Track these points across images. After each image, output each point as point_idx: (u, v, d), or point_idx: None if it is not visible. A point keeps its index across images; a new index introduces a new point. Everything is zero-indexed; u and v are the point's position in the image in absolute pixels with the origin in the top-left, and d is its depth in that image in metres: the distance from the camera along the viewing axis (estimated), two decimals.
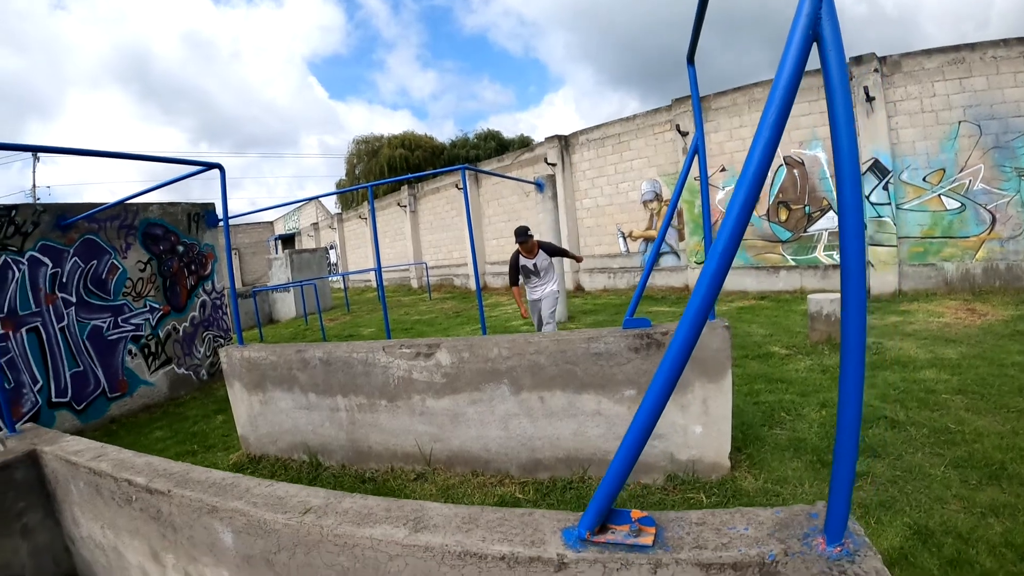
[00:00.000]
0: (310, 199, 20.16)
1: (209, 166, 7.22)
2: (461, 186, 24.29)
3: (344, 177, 51.23)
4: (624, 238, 18.14)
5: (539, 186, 14.00)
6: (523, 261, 8.52)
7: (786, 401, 6.22)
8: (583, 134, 19.10)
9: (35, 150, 6.20)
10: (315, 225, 43.86)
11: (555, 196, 14.01)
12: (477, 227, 23.50)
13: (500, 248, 23.19)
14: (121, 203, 9.53)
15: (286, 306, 21.60)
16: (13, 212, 8.96)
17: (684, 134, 15.70)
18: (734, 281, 14.63)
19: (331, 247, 39.88)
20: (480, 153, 45.72)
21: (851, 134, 1.49)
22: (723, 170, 14.95)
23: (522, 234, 8.34)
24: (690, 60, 4.33)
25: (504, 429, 5.00)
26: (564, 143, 19.65)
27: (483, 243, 24.01)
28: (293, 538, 2.16)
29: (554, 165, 19.65)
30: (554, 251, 8.72)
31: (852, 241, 1.46)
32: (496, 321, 14.49)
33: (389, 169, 44.92)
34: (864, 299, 1.46)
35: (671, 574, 1.63)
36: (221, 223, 11.85)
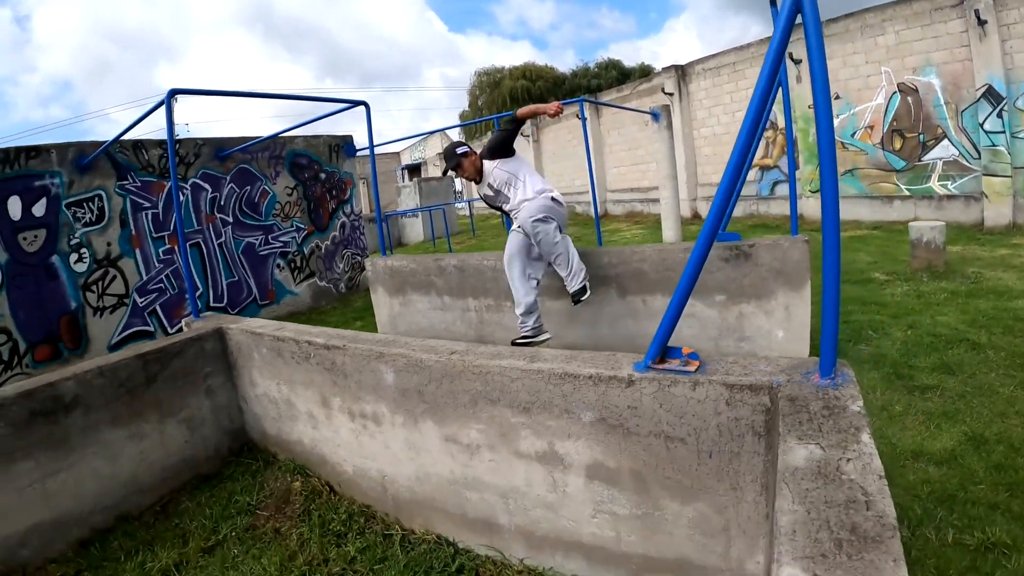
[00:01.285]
0: (436, 131, 21.08)
1: (355, 103, 8.06)
2: (581, 117, 24.65)
3: (467, 108, 51.63)
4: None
5: (655, 116, 14.28)
6: (482, 191, 5.75)
7: (875, 321, 6.50)
8: (699, 63, 19.02)
9: (218, 94, 7.17)
10: (440, 155, 44.96)
11: (670, 126, 14.25)
12: (598, 156, 23.85)
13: (621, 176, 23.53)
14: (273, 137, 10.75)
15: (414, 231, 22.85)
16: (177, 145, 10.14)
17: (797, 62, 15.33)
18: (848, 211, 14.26)
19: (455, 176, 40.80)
20: (601, 83, 44.95)
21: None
22: (837, 98, 14.63)
23: (450, 157, 5.60)
24: None
25: (611, 328, 5.73)
26: (681, 73, 19.62)
27: (604, 171, 24.34)
28: (441, 371, 2.96)
29: (671, 95, 19.64)
30: (497, 144, 5.54)
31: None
32: (613, 247, 14.66)
33: (511, 100, 44.81)
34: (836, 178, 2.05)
35: (705, 390, 2.31)
36: (360, 152, 12.95)
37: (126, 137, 8.32)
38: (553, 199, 5.30)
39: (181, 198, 10.12)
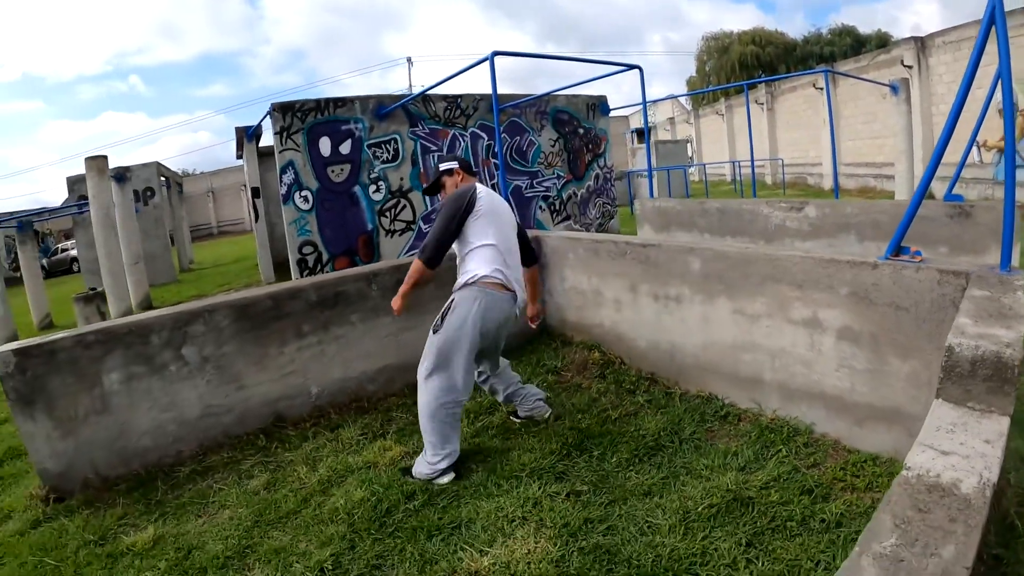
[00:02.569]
0: (669, 97, 21.72)
1: (629, 67, 9.26)
2: (820, 86, 24.54)
3: (694, 74, 51.37)
4: (978, 148, 17.26)
5: (893, 89, 14.41)
6: None
7: None
8: (939, 36, 18.43)
9: (532, 56, 8.65)
10: (671, 120, 45.36)
11: (908, 100, 14.22)
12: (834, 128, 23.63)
13: (855, 149, 23.31)
14: (545, 95, 12.29)
15: (647, 190, 23.75)
16: (459, 99, 11.89)
17: None
18: None
19: (687, 140, 41.20)
20: (835, 50, 43.28)
21: None
22: None
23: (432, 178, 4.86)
24: None
25: None
26: (920, 45, 19.11)
27: (839, 144, 24.00)
28: (740, 258, 4.12)
29: (910, 67, 19.19)
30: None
31: None
32: (855, 199, 14.56)
33: (740, 66, 44.45)
34: None
35: (924, 273, 3.26)
36: (612, 112, 14.19)
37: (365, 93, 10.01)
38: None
39: (461, 143, 11.89)
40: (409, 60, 72.40)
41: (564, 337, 5.99)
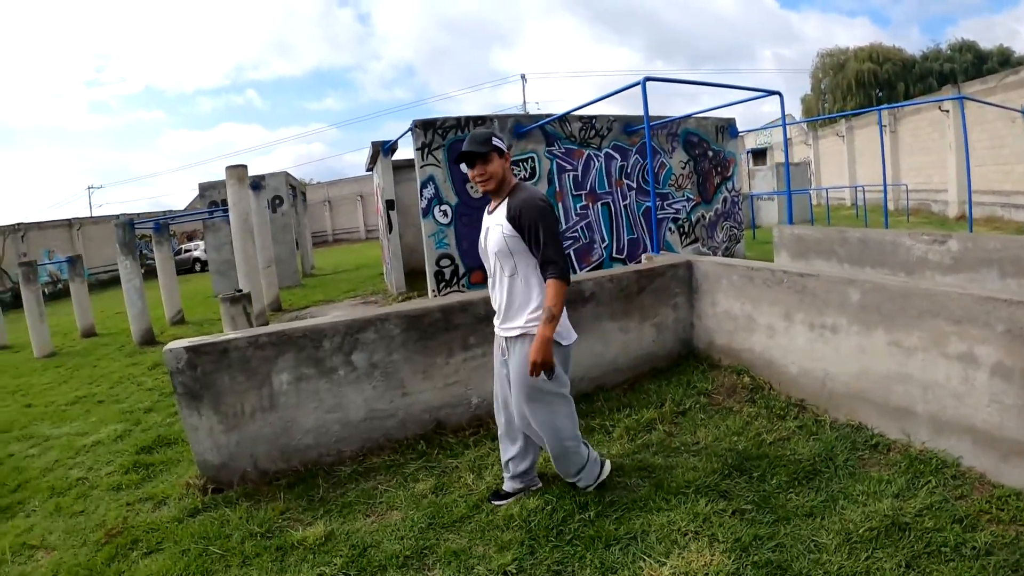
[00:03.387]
0: (795, 122, 21.61)
1: (769, 92, 9.56)
2: (945, 108, 23.88)
3: (809, 92, 50.40)
4: None
5: None
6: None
7: None
8: None
9: (682, 82, 9.07)
10: (788, 141, 44.46)
11: None
12: (959, 152, 22.82)
13: (981, 175, 22.27)
14: (675, 119, 12.70)
15: (769, 213, 23.91)
16: (593, 120, 12.38)
17: None
18: None
19: (807, 162, 40.38)
20: (955, 67, 41.91)
21: None
22: None
23: (482, 142, 3.69)
24: None
25: None
26: None
27: (963, 170, 23.26)
28: (899, 292, 4.41)
29: None
30: (526, 222, 3.63)
31: None
32: (999, 233, 14.19)
33: (856, 84, 43.52)
34: None
35: None
36: (740, 134, 14.44)
37: (465, 113, 10.55)
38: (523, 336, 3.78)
39: (596, 164, 12.38)
40: (523, 77, 73.69)
41: (711, 360, 6.27)
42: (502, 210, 3.68)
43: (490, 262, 3.82)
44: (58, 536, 4.50)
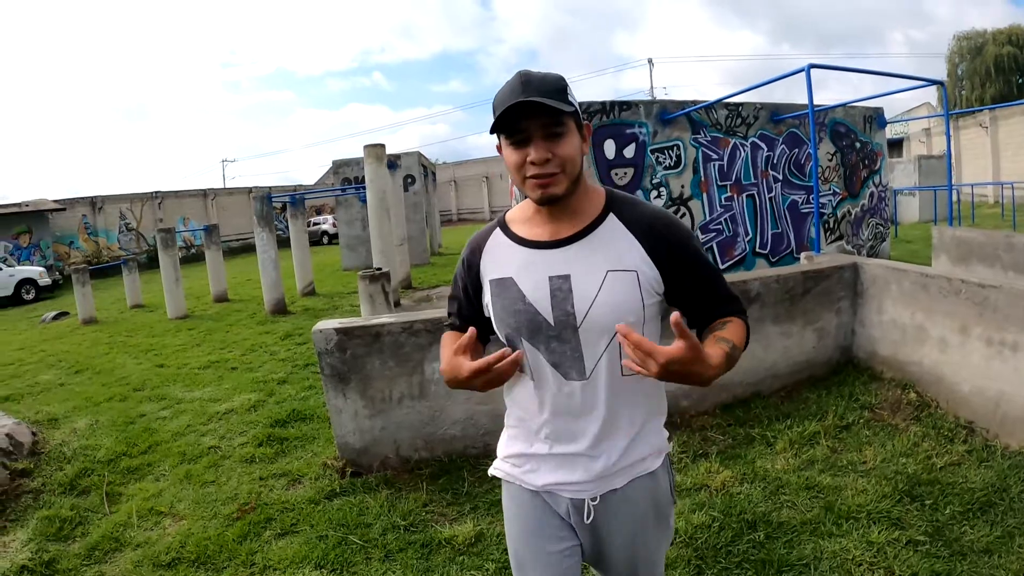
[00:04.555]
0: (952, 113, 20.66)
1: (932, 82, 9.22)
2: None
3: (945, 77, 47.72)
4: None
5: None
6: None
7: None
8: None
9: (848, 70, 8.90)
10: (926, 131, 42.44)
11: None
12: None
13: None
14: (828, 108, 12.33)
15: (909, 210, 22.94)
16: (740, 107, 12.19)
17: None
18: None
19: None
20: None
21: None
22: None
23: (558, 90, 1.57)
24: None
25: None
26: None
27: None
28: None
29: None
30: (679, 253, 1.71)
31: None
32: None
33: (996, 70, 40.57)
34: None
35: None
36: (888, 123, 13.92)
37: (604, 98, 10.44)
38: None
39: (741, 153, 12.20)
40: (650, 61, 73.08)
41: (872, 371, 5.93)
42: (606, 236, 1.70)
43: (572, 341, 1.70)
44: (187, 505, 4.53)
